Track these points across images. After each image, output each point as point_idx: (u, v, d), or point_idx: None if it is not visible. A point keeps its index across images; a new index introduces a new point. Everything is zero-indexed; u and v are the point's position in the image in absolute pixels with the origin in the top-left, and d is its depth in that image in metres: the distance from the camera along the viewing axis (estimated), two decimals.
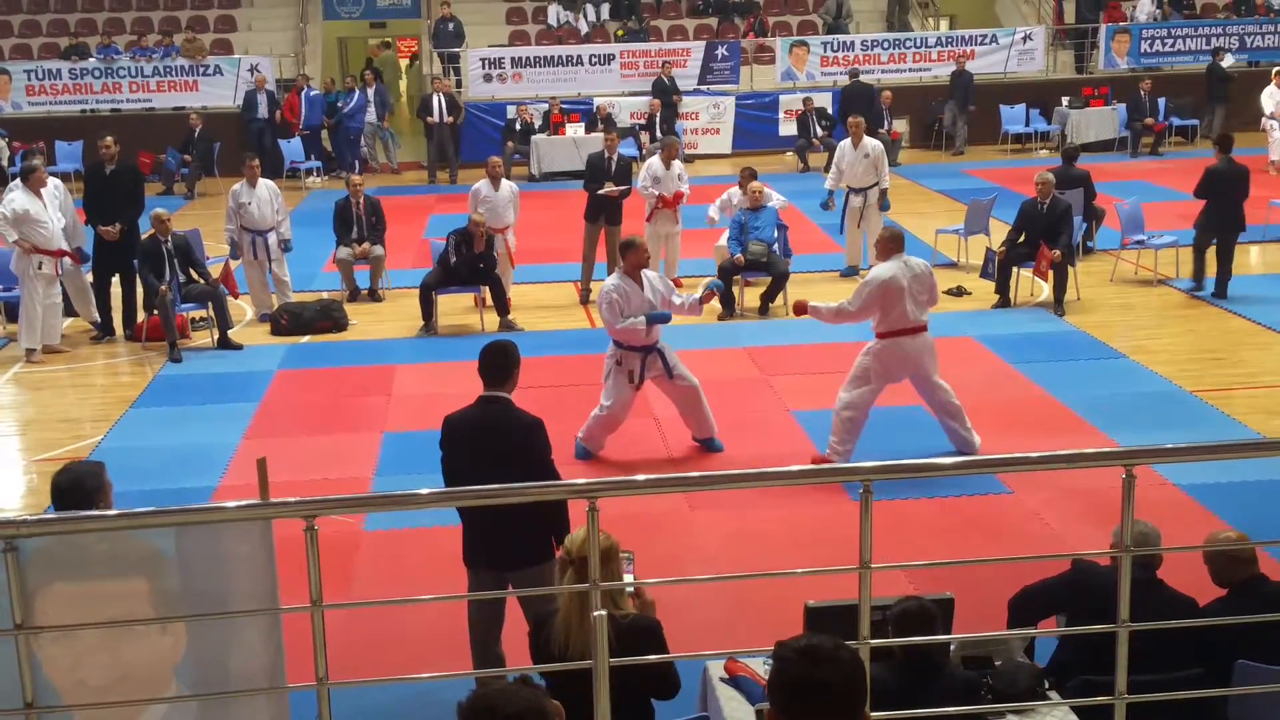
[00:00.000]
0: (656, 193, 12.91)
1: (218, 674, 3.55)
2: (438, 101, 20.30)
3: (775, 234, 12.59)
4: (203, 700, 3.54)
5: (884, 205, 13.59)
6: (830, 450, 8.44)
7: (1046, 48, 23.19)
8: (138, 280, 11.99)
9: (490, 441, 5.50)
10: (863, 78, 21.57)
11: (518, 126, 20.58)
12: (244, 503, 3.59)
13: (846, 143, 13.75)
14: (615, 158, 13.11)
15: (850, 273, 13.60)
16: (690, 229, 13.58)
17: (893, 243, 8.51)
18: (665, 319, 8.66)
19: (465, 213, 12.46)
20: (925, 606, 4.64)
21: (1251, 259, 13.96)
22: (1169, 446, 4.45)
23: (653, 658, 4.32)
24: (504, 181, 12.89)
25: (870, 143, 13.62)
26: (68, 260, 11.77)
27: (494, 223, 12.46)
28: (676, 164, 13.15)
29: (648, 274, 8.70)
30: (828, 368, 9.92)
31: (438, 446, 5.69)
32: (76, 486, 4.82)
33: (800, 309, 8.65)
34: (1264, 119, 18.26)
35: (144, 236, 11.86)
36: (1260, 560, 5.17)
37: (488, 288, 12.09)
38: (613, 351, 8.71)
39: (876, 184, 13.50)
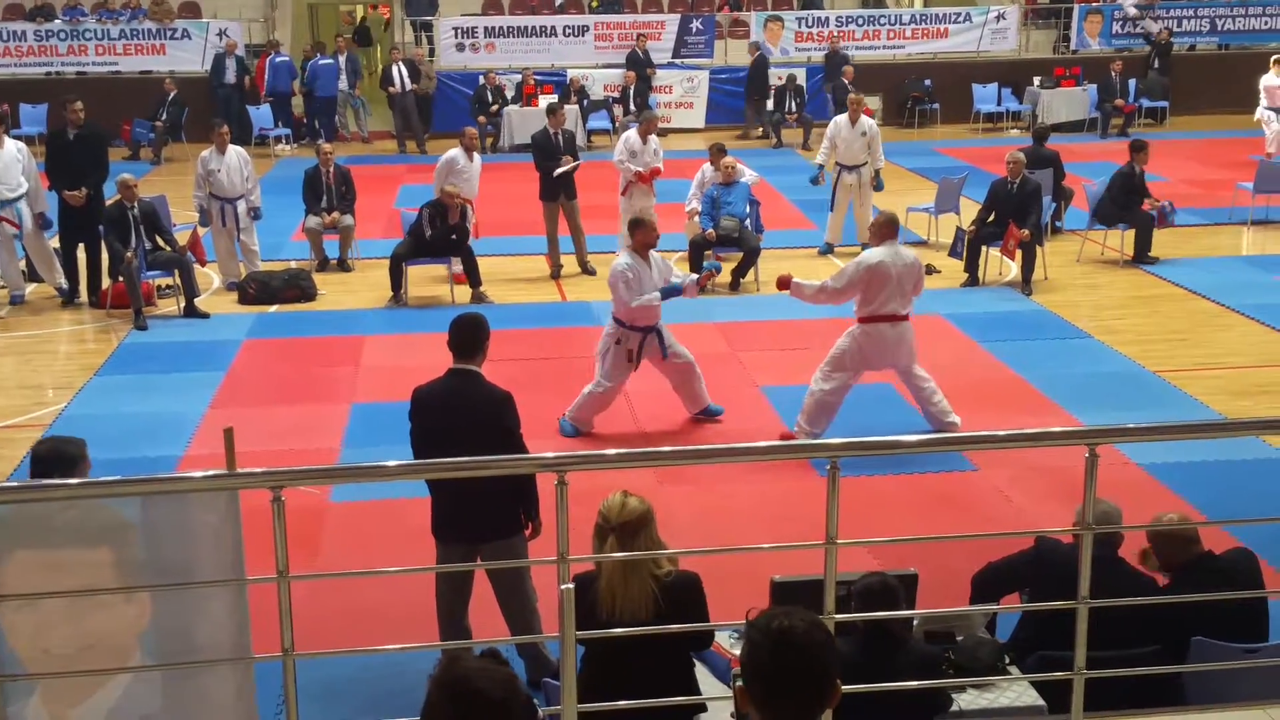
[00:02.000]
0: (634, 168, 12.86)
1: (183, 644, 3.55)
2: (398, 71, 20.12)
3: (747, 209, 12.59)
4: (168, 670, 3.54)
5: (878, 185, 13.60)
6: (798, 429, 8.44)
7: (1019, 27, 23.23)
8: (102, 246, 11.87)
9: (460, 415, 5.48)
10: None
11: (488, 95, 20.38)
12: (210, 473, 3.57)
13: (843, 119, 13.64)
14: (560, 132, 13.02)
15: (827, 250, 13.62)
16: (663, 203, 13.55)
17: (888, 227, 8.46)
18: (678, 291, 8.69)
19: (434, 182, 12.39)
20: (888, 582, 4.68)
21: (1218, 242, 14.08)
22: (1132, 426, 4.53)
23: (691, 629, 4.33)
24: (476, 154, 12.81)
25: (867, 121, 13.58)
26: (8, 226, 11.63)
27: (465, 193, 12.41)
28: (653, 139, 13.10)
29: (655, 256, 8.72)
30: (797, 344, 9.96)
31: (407, 418, 5.68)
32: (56, 456, 4.78)
33: (784, 284, 8.58)
34: (1260, 109, 17.87)
35: (110, 202, 11.74)
36: (1218, 537, 5.24)
37: (459, 259, 12.04)
38: (612, 330, 8.68)
39: (866, 163, 13.47)
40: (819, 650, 2.54)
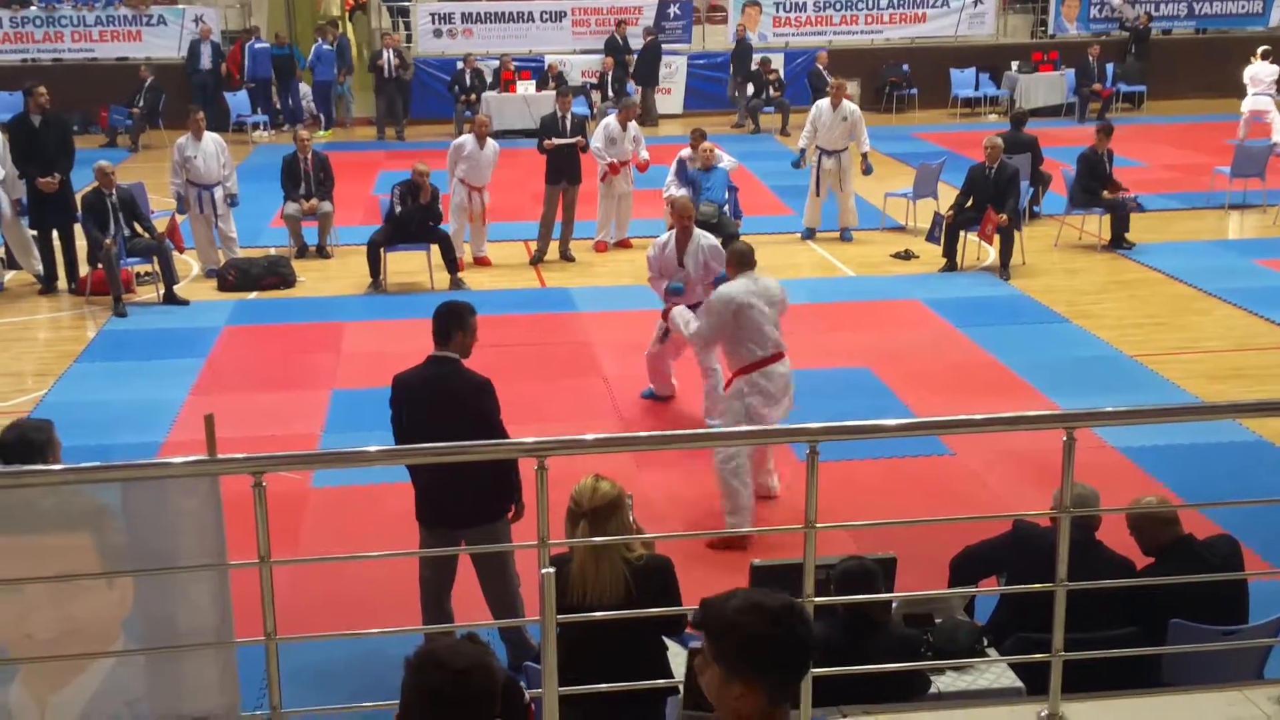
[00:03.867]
0: (608, 158, 12.85)
1: (165, 629, 3.56)
2: (388, 57, 20.06)
3: (726, 195, 12.60)
4: (150, 654, 3.55)
5: (867, 169, 13.54)
6: (728, 524, 7.05)
7: (997, 12, 23.28)
8: (77, 231, 11.80)
9: (440, 401, 5.50)
10: (810, 39, 21.64)
11: (467, 80, 20.32)
12: (191, 458, 3.57)
13: (825, 103, 13.54)
14: (569, 116, 13.02)
15: (808, 235, 13.64)
16: (641, 189, 13.56)
17: (741, 258, 7.22)
18: (679, 292, 8.47)
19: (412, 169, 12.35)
20: (867, 565, 4.72)
21: (1195, 226, 14.17)
22: (1109, 410, 4.56)
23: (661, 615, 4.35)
24: (489, 140, 12.74)
25: (849, 106, 13.49)
26: None
27: (474, 180, 12.42)
28: (633, 125, 13.10)
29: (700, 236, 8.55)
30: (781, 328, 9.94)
31: (387, 404, 5.69)
32: (22, 442, 4.77)
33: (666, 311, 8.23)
34: (1252, 94, 17.48)
35: (88, 189, 11.67)
36: (1196, 522, 5.29)
37: (436, 245, 12.02)
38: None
39: (846, 148, 13.44)
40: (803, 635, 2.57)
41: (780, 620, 2.53)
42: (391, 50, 20.12)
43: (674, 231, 8.63)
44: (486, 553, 5.60)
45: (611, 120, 13.09)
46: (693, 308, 7.89)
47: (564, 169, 12.75)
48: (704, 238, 8.63)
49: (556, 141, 12.68)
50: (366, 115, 21.66)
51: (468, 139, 12.70)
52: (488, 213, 12.77)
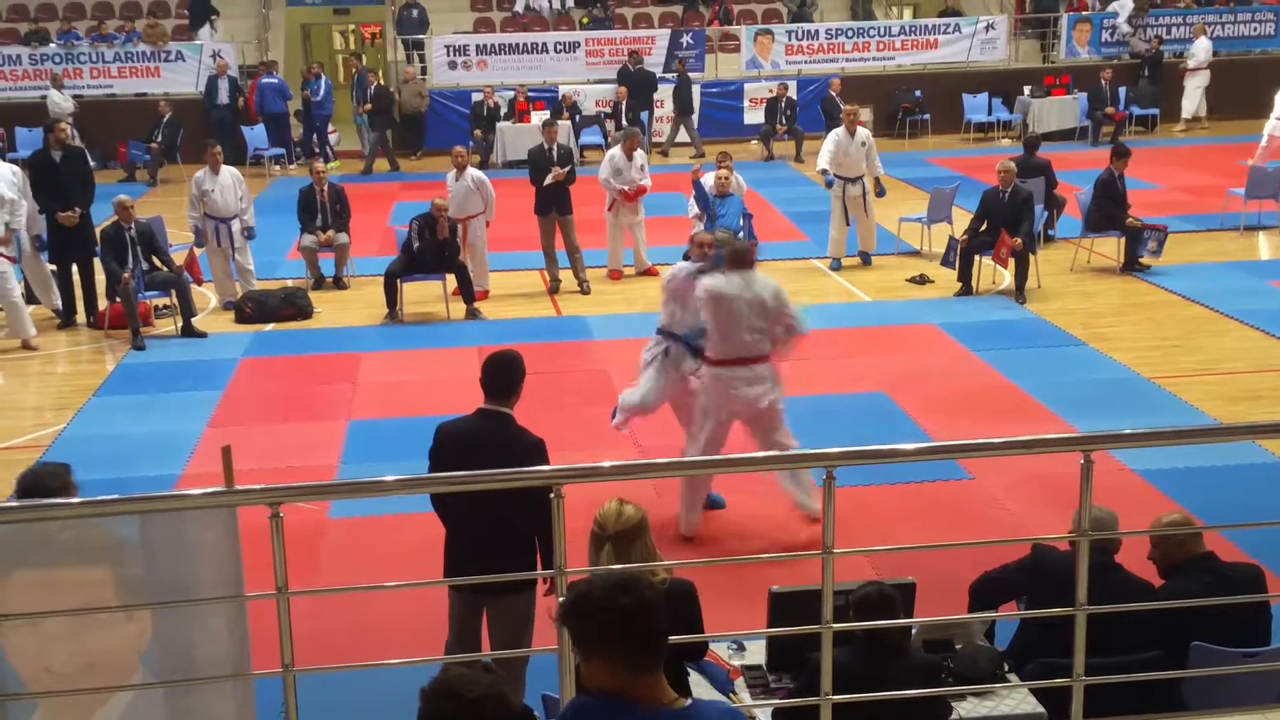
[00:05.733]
0: (618, 186, 12.91)
1: (184, 661, 3.56)
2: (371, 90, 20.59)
3: (740, 221, 12.63)
4: (169, 687, 3.55)
5: (880, 192, 13.64)
6: (682, 522, 7.39)
7: (1009, 37, 23.34)
8: (96, 266, 11.89)
9: (487, 459, 4.82)
10: (822, 66, 21.73)
11: (484, 112, 20.49)
12: (209, 490, 3.58)
13: (843, 131, 13.48)
14: (555, 146, 13.05)
15: (837, 266, 13.61)
16: (655, 216, 13.60)
17: (731, 256, 7.36)
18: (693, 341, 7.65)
19: (429, 200, 12.40)
20: (886, 591, 4.70)
21: (1210, 248, 14.13)
22: (1126, 432, 4.55)
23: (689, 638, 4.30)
24: (469, 170, 12.79)
25: (863, 132, 13.58)
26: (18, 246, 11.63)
27: (456, 212, 12.42)
28: (639, 155, 13.16)
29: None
30: (798, 354, 9.94)
31: (426, 454, 5.36)
32: (39, 489, 4.74)
33: None
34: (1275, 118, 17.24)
35: (107, 223, 11.76)
36: (1215, 543, 5.26)
37: (453, 275, 12.07)
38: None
39: (864, 174, 13.43)
40: (650, 608, 2.78)
41: (609, 591, 2.75)
42: (372, 84, 20.38)
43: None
44: (503, 626, 5.28)
45: (617, 151, 13.16)
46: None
47: (552, 200, 12.79)
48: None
49: (558, 173, 12.67)
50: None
51: (451, 172, 12.76)
52: (472, 244, 12.54)
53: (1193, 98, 22.32)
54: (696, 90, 21.99)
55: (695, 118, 21.69)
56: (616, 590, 2.75)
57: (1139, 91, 22.34)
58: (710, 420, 7.35)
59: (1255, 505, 7.50)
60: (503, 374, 5.28)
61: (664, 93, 21.77)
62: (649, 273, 13.26)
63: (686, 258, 7.98)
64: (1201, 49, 22.29)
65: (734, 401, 7.26)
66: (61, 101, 20.22)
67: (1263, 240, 14.47)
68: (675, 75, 21.43)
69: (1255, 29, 23.77)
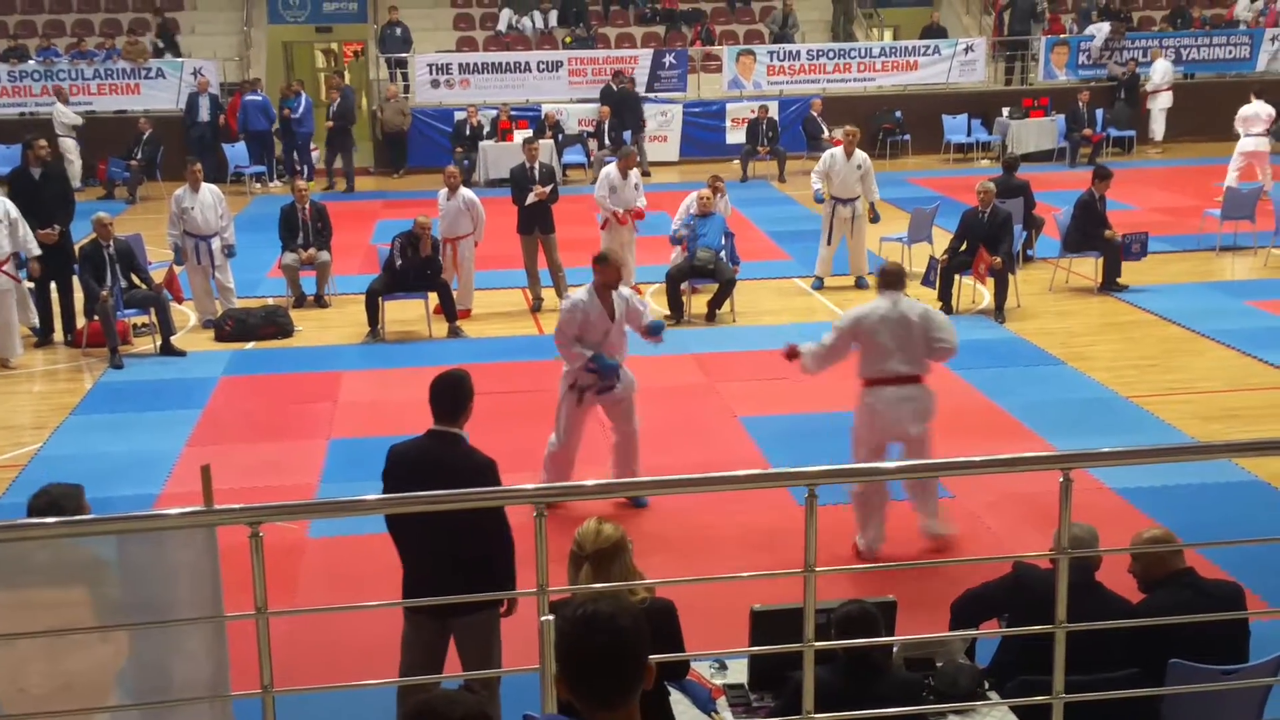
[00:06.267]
0: (612, 207, 12.93)
1: (161, 682, 3.54)
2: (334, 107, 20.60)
3: (722, 241, 12.67)
4: (145, 709, 3.53)
5: (875, 218, 13.58)
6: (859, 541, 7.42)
7: (987, 59, 23.51)
8: (75, 284, 11.83)
9: (437, 480, 4.78)
10: (803, 86, 21.84)
11: (467, 131, 20.51)
12: (187, 510, 3.56)
13: (839, 152, 13.46)
14: (537, 165, 13.07)
15: (819, 285, 13.64)
16: (642, 236, 13.63)
17: (888, 276, 7.56)
18: (613, 370, 7.86)
19: (411, 218, 12.40)
20: (867, 609, 4.70)
21: (1187, 268, 14.24)
22: (1105, 451, 4.57)
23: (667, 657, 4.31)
24: (461, 190, 12.78)
25: (861, 155, 13.47)
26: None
27: (446, 232, 12.43)
28: (634, 174, 13.20)
29: (623, 293, 8.02)
30: (775, 374, 9.98)
31: (383, 468, 5.35)
32: (53, 509, 4.70)
33: (792, 354, 7.67)
34: (1246, 136, 17.49)
35: (85, 241, 11.71)
36: (1193, 561, 5.28)
37: (435, 294, 12.06)
38: (568, 371, 8.02)
39: (859, 196, 13.42)
40: (626, 633, 2.70)
41: (577, 623, 2.71)
42: (334, 101, 20.40)
43: (591, 291, 7.90)
44: (472, 646, 5.25)
45: (612, 169, 13.18)
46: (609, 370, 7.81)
47: (534, 219, 12.80)
48: (622, 289, 8.14)
49: (540, 192, 12.68)
50: (365, 165, 21.84)
51: (443, 191, 12.76)
52: (460, 263, 12.58)
53: (1159, 120, 22.50)
54: (679, 111, 22.07)
55: (670, 143, 21.79)
56: (579, 622, 2.72)
57: (1115, 113, 22.53)
58: (863, 449, 7.35)
59: (1232, 523, 7.54)
60: (449, 394, 5.23)
61: (648, 112, 21.83)
62: (635, 290, 13.27)
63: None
64: (1158, 71, 22.52)
65: (887, 423, 7.29)
66: (66, 116, 20.19)
67: (1238, 261, 14.58)
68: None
69: (1230, 52, 24.01)
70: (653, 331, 8.16)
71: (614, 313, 7.90)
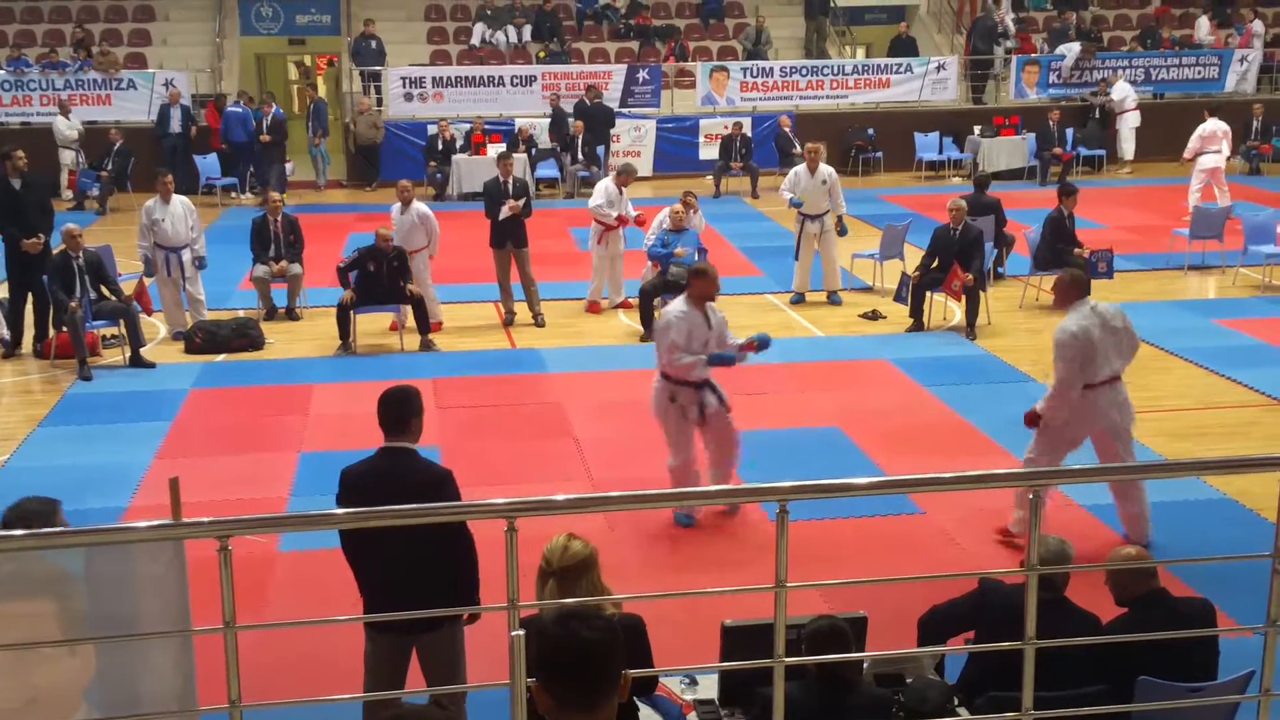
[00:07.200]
0: (613, 214, 13.00)
1: (128, 696, 3.51)
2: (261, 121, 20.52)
3: (696, 256, 12.69)
4: None
5: (842, 231, 13.66)
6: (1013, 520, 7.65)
7: (959, 78, 23.69)
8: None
9: (393, 497, 4.67)
10: (776, 103, 21.94)
11: (439, 145, 20.51)
12: (155, 523, 3.53)
13: (803, 168, 13.55)
14: (510, 180, 13.07)
15: (799, 300, 13.68)
16: (629, 249, 13.67)
17: (1071, 288, 7.68)
18: (729, 361, 7.99)
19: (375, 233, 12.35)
20: (838, 625, 4.71)
21: (1156, 287, 14.36)
22: (1074, 468, 4.58)
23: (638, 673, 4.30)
24: (414, 204, 12.75)
25: (826, 169, 13.57)
26: None
27: (404, 245, 12.40)
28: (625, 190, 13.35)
29: (711, 307, 8.05)
30: (752, 388, 10.00)
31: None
32: (23, 525, 4.65)
33: (1031, 419, 7.58)
34: (1206, 153, 17.61)
35: (55, 252, 11.63)
36: (1162, 579, 5.32)
37: (407, 309, 12.03)
38: (661, 386, 7.99)
39: (827, 211, 13.51)
40: (607, 629, 2.69)
41: (559, 620, 2.70)
42: (269, 112, 20.34)
43: (689, 302, 7.98)
44: (438, 662, 5.19)
45: (610, 183, 13.27)
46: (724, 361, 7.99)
47: (506, 233, 12.79)
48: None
49: (514, 206, 12.67)
50: (339, 178, 21.78)
51: (396, 205, 12.74)
52: (415, 276, 12.30)
53: (1128, 139, 22.76)
54: (652, 126, 22.14)
55: (643, 158, 21.91)
56: (559, 620, 2.72)
57: (1086, 133, 22.75)
58: (1064, 444, 7.52)
59: (1201, 541, 7.60)
60: (396, 409, 5.18)
61: (622, 127, 21.88)
62: (624, 305, 13.32)
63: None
64: (1118, 91, 22.76)
65: (1098, 419, 7.52)
66: (66, 129, 20.03)
67: (1207, 280, 14.72)
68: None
69: (1199, 72, 24.28)
70: (762, 346, 8.19)
71: (711, 323, 8.01)
